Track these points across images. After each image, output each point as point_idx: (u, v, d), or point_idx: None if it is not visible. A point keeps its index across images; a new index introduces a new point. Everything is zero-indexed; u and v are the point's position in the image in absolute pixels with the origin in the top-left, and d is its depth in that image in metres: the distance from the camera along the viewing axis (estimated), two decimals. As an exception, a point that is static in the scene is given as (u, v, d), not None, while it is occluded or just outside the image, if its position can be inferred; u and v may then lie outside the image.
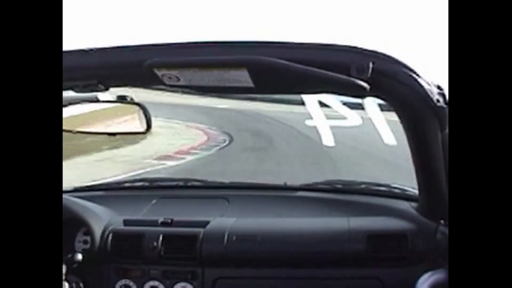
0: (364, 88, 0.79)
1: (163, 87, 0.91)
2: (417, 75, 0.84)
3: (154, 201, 1.69)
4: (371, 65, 0.79)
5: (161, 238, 1.35)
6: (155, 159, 8.02)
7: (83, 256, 1.39)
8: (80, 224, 1.43)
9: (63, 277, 1.29)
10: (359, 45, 0.82)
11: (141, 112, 1.36)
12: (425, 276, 1.02)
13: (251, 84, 0.83)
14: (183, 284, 1.32)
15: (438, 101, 0.85)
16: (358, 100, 0.97)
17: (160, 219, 1.42)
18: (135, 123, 1.38)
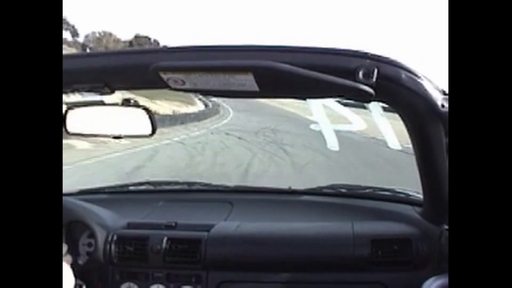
0: (369, 93, 0.79)
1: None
2: (422, 80, 0.84)
3: (158, 205, 1.69)
4: (376, 70, 0.79)
5: (165, 241, 1.35)
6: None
7: (87, 259, 1.40)
8: (85, 227, 1.43)
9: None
10: (365, 49, 0.82)
11: (146, 115, 1.36)
12: (429, 280, 1.01)
13: (256, 88, 0.83)
14: (187, 287, 1.32)
15: (443, 106, 0.85)
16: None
17: (164, 222, 1.42)
18: (141, 126, 1.39)
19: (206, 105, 31.65)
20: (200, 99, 34.02)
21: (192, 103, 32.94)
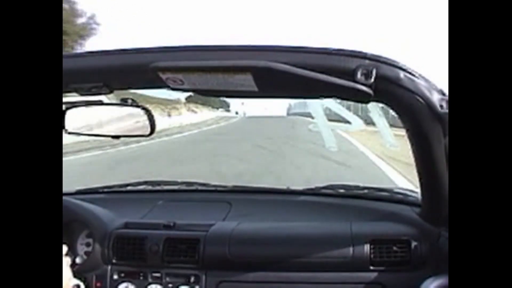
0: (368, 94, 0.80)
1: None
2: (421, 80, 0.84)
3: (156, 204, 1.69)
4: (375, 70, 0.79)
5: (163, 241, 1.35)
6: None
7: (85, 259, 1.39)
8: (83, 226, 1.43)
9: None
10: (363, 50, 0.82)
11: (145, 115, 1.36)
12: (428, 281, 1.02)
13: (255, 88, 0.84)
14: (185, 287, 1.32)
15: (441, 106, 0.85)
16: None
17: (163, 222, 1.42)
18: (139, 126, 1.38)
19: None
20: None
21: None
